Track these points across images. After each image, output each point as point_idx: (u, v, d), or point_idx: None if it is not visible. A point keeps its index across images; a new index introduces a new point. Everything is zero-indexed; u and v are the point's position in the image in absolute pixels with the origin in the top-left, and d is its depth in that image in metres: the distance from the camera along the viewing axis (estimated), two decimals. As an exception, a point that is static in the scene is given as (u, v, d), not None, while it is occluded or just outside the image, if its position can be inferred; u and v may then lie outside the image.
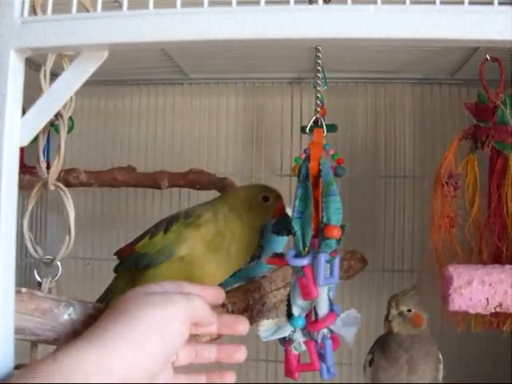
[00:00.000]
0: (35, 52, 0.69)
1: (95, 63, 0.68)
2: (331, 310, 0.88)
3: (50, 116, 0.69)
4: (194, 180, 1.39)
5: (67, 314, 0.81)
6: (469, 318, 1.20)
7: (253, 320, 1.11)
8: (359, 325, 0.90)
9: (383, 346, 1.07)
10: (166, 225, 1.04)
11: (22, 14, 0.67)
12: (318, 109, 1.07)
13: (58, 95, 0.69)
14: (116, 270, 1.12)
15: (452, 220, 1.21)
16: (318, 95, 1.08)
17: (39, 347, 0.88)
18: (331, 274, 0.86)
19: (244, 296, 1.11)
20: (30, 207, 0.86)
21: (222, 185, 1.38)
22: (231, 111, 1.61)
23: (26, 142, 0.69)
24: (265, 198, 1.05)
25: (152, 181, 1.40)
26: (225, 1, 0.63)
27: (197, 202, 1.53)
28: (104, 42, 0.66)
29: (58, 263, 0.90)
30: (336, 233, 0.83)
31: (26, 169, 1.24)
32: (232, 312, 1.07)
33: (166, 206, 1.56)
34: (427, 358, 1.06)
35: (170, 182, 1.40)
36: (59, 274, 0.93)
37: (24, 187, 0.85)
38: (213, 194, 1.41)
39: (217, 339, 1.04)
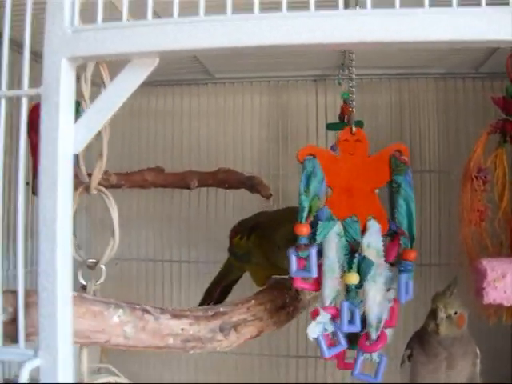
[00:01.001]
0: (86, 60, 0.71)
1: (146, 70, 0.69)
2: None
3: (101, 123, 0.70)
4: (223, 179, 1.41)
5: (117, 316, 0.83)
6: (501, 310, 1.21)
7: (289, 317, 1.13)
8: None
9: (422, 342, 1.09)
10: (250, 230, 1.15)
11: (72, 23, 0.69)
12: (352, 108, 1.07)
13: (109, 103, 0.70)
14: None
15: (482, 214, 1.22)
16: (351, 95, 1.09)
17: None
18: (407, 291, 0.94)
19: (281, 294, 1.12)
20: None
21: (251, 183, 1.39)
22: (256, 110, 1.62)
23: (79, 149, 0.70)
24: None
25: (181, 181, 1.41)
26: (273, 7, 0.64)
27: (224, 201, 1.58)
28: (154, 50, 0.68)
29: (102, 266, 0.92)
30: (413, 256, 0.94)
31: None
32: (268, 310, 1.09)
33: (194, 205, 1.58)
34: (465, 354, 1.08)
35: (200, 182, 1.41)
36: (103, 276, 0.95)
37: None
38: (241, 192, 1.43)
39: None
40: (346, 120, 1.43)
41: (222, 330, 0.98)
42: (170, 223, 1.64)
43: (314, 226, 0.95)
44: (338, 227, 0.96)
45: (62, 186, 0.68)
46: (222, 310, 1.00)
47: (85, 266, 0.90)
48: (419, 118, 1.54)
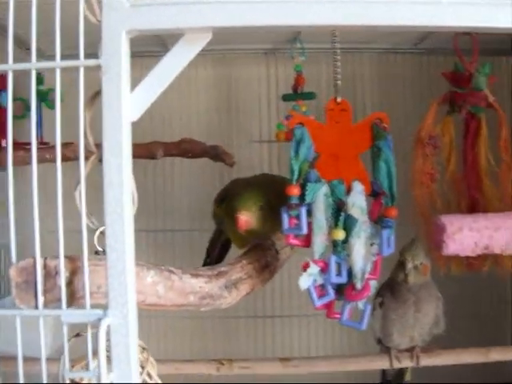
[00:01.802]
0: (142, 33, 0.74)
1: (200, 44, 0.75)
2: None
3: (156, 94, 0.75)
4: (187, 149, 1.45)
5: (150, 277, 0.88)
6: (450, 262, 1.36)
7: (271, 275, 1.21)
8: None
9: (393, 291, 1.22)
10: (221, 198, 1.23)
11: (129, -3, 0.72)
12: (338, 77, 1.15)
13: (164, 74, 0.75)
14: None
15: (432, 176, 1.35)
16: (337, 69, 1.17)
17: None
18: (389, 245, 1.06)
19: (263, 254, 1.20)
20: (82, 181, 0.90)
21: (214, 152, 1.45)
22: (208, 81, 1.67)
23: (136, 117, 0.74)
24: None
25: (147, 151, 1.44)
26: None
27: (189, 171, 1.63)
28: (208, 25, 0.73)
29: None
30: (393, 213, 1.06)
31: (19, 145, 1.26)
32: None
33: (159, 176, 1.62)
34: (430, 298, 1.22)
35: (164, 152, 1.45)
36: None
37: (18, 163, 0.87)
38: (203, 161, 1.49)
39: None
40: (299, 91, 1.52)
41: (226, 287, 1.05)
42: (153, 194, 1.66)
43: (303, 187, 1.05)
44: (325, 188, 1.05)
45: (126, 150, 0.72)
46: (223, 269, 1.07)
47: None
48: (363, 91, 1.66)
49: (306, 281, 1.04)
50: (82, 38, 0.72)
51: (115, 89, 0.71)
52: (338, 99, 1.11)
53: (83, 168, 0.74)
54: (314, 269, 1.04)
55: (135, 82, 0.75)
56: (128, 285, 0.71)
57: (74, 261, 0.78)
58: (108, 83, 0.71)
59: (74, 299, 0.76)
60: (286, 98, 1.51)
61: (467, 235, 1.20)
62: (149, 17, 0.72)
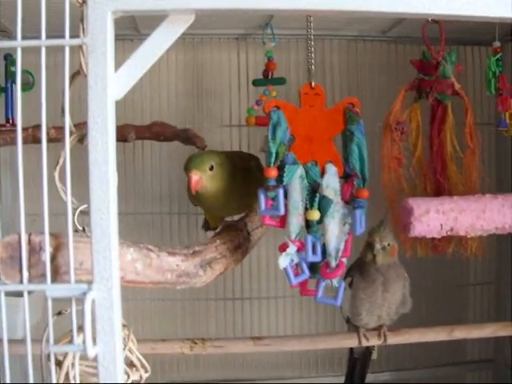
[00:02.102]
0: (127, 14, 0.76)
1: (183, 25, 0.77)
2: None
3: (141, 73, 0.76)
4: (159, 132, 1.46)
5: (129, 254, 0.89)
6: (416, 244, 1.41)
7: (243, 255, 1.24)
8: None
9: (362, 271, 1.25)
10: None
11: (114, -21, 0.73)
12: (311, 62, 1.18)
13: (148, 54, 0.76)
14: None
15: (399, 161, 1.40)
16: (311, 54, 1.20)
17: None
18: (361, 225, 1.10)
19: (236, 234, 1.22)
20: (61, 161, 0.91)
21: (186, 135, 1.46)
22: (179, 66, 1.68)
23: (120, 96, 0.76)
24: None
25: (119, 134, 1.41)
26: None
27: (159, 154, 1.64)
28: (191, 7, 0.75)
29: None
30: (365, 194, 1.09)
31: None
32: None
33: (129, 159, 1.63)
34: (398, 278, 1.26)
35: (136, 135, 1.46)
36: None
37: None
38: (175, 144, 1.50)
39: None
40: (269, 76, 1.55)
41: (201, 266, 1.07)
42: (133, 176, 1.67)
43: (280, 169, 1.08)
44: (300, 170, 1.09)
45: (111, 129, 0.73)
46: (197, 248, 1.09)
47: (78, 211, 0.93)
48: (332, 78, 1.69)
49: (284, 260, 1.07)
50: (67, 16, 0.73)
51: (101, 68, 0.72)
52: (313, 84, 1.14)
53: (68, 148, 0.75)
54: (292, 248, 1.07)
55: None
56: (112, 259, 0.72)
57: (57, 237, 0.79)
58: (93, 62, 0.72)
59: (57, 275, 0.77)
60: (256, 82, 1.53)
61: (434, 217, 1.25)
62: (133, -2, 0.73)
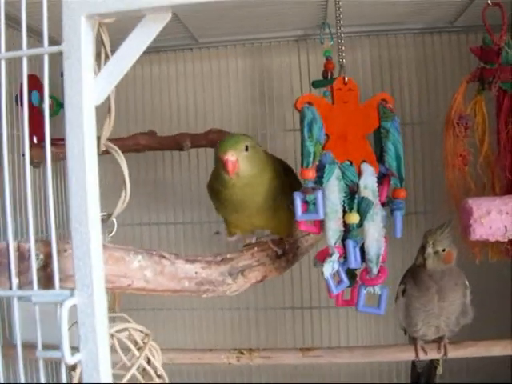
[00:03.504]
0: (103, 17, 0.75)
1: (160, 24, 0.74)
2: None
3: (120, 76, 0.75)
4: (215, 139, 1.45)
5: (137, 261, 0.89)
6: (486, 248, 1.29)
7: (289, 263, 1.19)
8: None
9: (415, 278, 1.16)
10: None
11: (87, -18, 0.72)
12: (343, 55, 1.13)
13: (127, 56, 0.74)
14: None
15: (464, 159, 1.29)
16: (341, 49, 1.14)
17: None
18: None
19: (279, 241, 1.18)
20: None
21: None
22: (240, 72, 1.67)
23: (100, 101, 0.75)
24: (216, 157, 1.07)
25: (175, 143, 1.46)
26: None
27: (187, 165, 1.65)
28: (167, 4, 0.72)
29: (114, 219, 0.97)
30: (403, 194, 1.04)
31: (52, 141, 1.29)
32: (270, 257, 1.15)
33: (185, 167, 1.63)
34: (456, 287, 1.15)
35: (192, 143, 1.46)
36: (115, 229, 1.00)
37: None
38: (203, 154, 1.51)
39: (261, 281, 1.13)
40: (329, 77, 1.49)
41: (230, 274, 1.04)
42: (165, 188, 1.68)
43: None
44: (337, 171, 1.03)
45: (88, 136, 0.72)
46: (228, 256, 1.07)
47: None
48: (398, 74, 1.60)
49: (329, 268, 1.01)
50: (45, 26, 0.74)
51: (76, 73, 0.72)
52: (346, 78, 1.08)
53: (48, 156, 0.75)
54: (336, 255, 1.02)
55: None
56: (93, 266, 0.71)
57: (49, 244, 0.79)
58: (69, 68, 0.72)
59: (49, 282, 0.78)
60: (315, 84, 1.48)
61: (496, 219, 1.14)
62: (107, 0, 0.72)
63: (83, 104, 0.72)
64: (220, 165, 1.04)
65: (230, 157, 1.02)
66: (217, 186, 1.09)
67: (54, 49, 0.73)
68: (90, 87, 0.73)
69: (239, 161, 1.03)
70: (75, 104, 0.72)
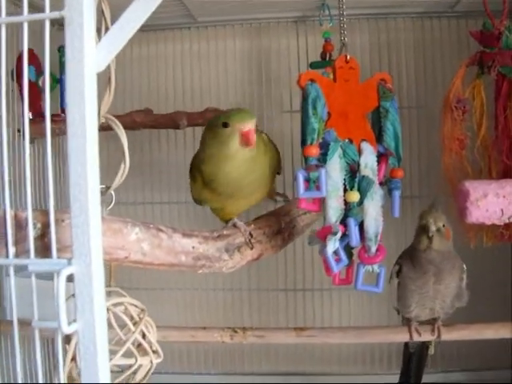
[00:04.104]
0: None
1: (161, -7, 0.73)
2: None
3: (121, 45, 0.74)
4: (211, 118, 1.44)
5: (135, 234, 0.88)
6: (481, 232, 1.30)
7: (285, 242, 1.19)
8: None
9: (412, 259, 1.16)
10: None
11: None
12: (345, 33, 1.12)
13: (128, 25, 0.74)
14: None
15: (462, 142, 1.29)
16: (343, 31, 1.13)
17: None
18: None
19: (277, 220, 1.18)
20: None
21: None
22: (238, 53, 1.66)
23: (101, 68, 0.74)
24: (224, 125, 1.03)
25: (171, 121, 1.45)
26: None
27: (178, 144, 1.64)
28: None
29: (112, 192, 0.96)
30: (401, 174, 1.03)
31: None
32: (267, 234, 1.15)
33: (181, 147, 1.63)
34: (453, 269, 1.15)
35: (188, 121, 1.45)
36: (113, 201, 0.99)
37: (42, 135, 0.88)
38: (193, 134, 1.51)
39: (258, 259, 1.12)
40: (327, 58, 1.49)
41: (227, 250, 1.03)
42: (160, 166, 1.68)
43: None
44: (339, 149, 1.02)
45: (89, 103, 0.71)
46: (225, 232, 1.06)
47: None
48: (397, 57, 1.60)
49: (332, 246, 1.00)
50: (47, -10, 0.73)
51: (78, 40, 0.70)
52: (348, 57, 1.07)
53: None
54: (339, 233, 1.01)
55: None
56: (91, 235, 0.71)
57: (46, 214, 0.79)
58: (71, 35, 0.71)
59: (48, 252, 0.77)
60: (314, 65, 1.48)
61: (492, 202, 1.14)
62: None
63: (85, 71, 0.71)
64: (229, 139, 1.03)
65: (252, 126, 1.01)
66: (215, 169, 1.06)
67: (56, 14, 0.71)
68: (91, 54, 0.72)
69: (255, 131, 1.03)
70: (77, 71, 0.71)
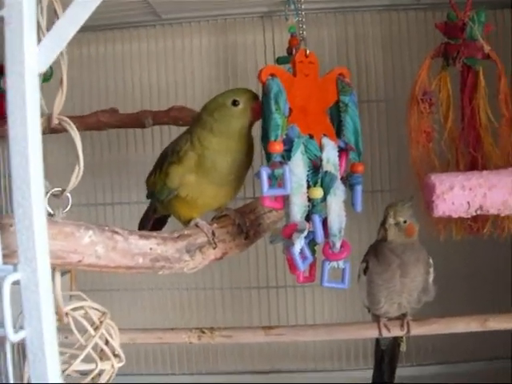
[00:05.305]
0: (44, -19, 0.71)
1: (105, -11, 0.71)
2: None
3: (65, 41, 0.72)
4: (177, 116, 1.43)
5: (88, 237, 0.86)
6: (450, 225, 1.29)
7: (250, 241, 1.17)
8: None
9: (376, 253, 1.15)
10: (162, 162, 1.12)
11: None
12: (304, 28, 1.10)
13: (73, 21, 0.71)
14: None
15: (429, 135, 1.29)
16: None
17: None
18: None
19: (241, 217, 1.16)
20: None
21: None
22: (204, 50, 1.64)
23: (43, 69, 0.72)
24: (234, 103, 1.05)
25: (136, 120, 1.43)
26: None
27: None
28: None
29: (68, 194, 0.94)
30: (361, 168, 1.03)
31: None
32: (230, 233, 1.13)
33: (149, 147, 1.61)
34: (417, 262, 1.15)
35: (154, 120, 1.43)
36: (70, 204, 0.96)
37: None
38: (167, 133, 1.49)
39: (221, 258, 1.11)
40: (294, 53, 1.47)
41: (188, 251, 1.02)
42: (127, 165, 1.65)
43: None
44: (301, 145, 1.01)
45: (31, 104, 0.69)
46: (186, 232, 1.04)
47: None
48: (365, 51, 1.59)
49: (300, 243, 0.98)
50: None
51: (18, 40, 0.69)
52: (307, 51, 1.05)
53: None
54: (306, 231, 0.99)
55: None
56: (36, 240, 0.69)
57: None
58: (11, 34, 0.69)
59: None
60: (280, 60, 1.45)
61: (459, 194, 1.13)
62: (49, -38, 0.69)
63: (25, 71, 0.69)
64: (243, 115, 1.05)
65: (259, 100, 1.03)
66: (222, 146, 1.06)
67: (-4, 13, 0.70)
68: (32, 54, 0.70)
69: None
70: (17, 71, 0.69)
